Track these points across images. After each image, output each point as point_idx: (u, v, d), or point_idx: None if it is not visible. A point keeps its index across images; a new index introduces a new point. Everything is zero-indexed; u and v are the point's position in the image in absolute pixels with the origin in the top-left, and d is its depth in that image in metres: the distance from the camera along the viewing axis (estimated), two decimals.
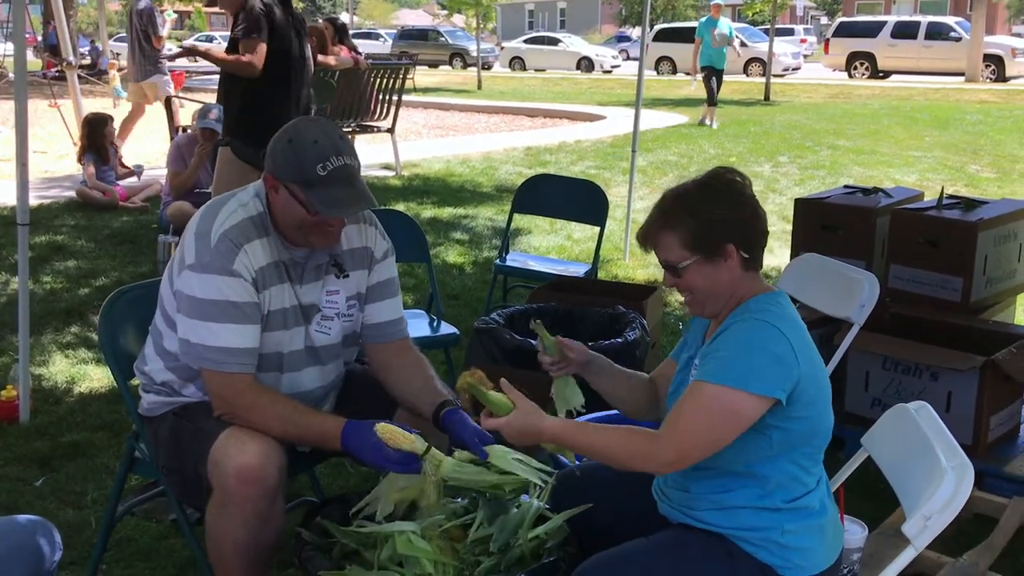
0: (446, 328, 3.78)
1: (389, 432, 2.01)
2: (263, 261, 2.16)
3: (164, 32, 9.26)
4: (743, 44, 27.03)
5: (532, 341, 3.33)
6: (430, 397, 2.26)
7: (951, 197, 3.90)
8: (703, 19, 14.28)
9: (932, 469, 1.75)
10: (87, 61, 24.72)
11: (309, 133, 2.12)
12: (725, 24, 14.00)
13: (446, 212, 7.74)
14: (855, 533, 2.41)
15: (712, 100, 13.83)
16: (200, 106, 6.46)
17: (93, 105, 12.52)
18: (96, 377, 4.14)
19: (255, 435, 2.08)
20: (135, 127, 9.90)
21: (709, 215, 1.87)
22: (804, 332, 1.88)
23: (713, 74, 13.65)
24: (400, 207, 7.34)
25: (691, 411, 1.82)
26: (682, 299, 1.96)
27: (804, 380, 1.82)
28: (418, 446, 2.01)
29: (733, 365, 1.80)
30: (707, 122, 13.83)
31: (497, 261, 4.89)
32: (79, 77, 10.10)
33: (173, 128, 7.92)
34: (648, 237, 1.95)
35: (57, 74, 13.93)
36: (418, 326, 3.75)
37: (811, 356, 1.86)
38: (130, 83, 9.49)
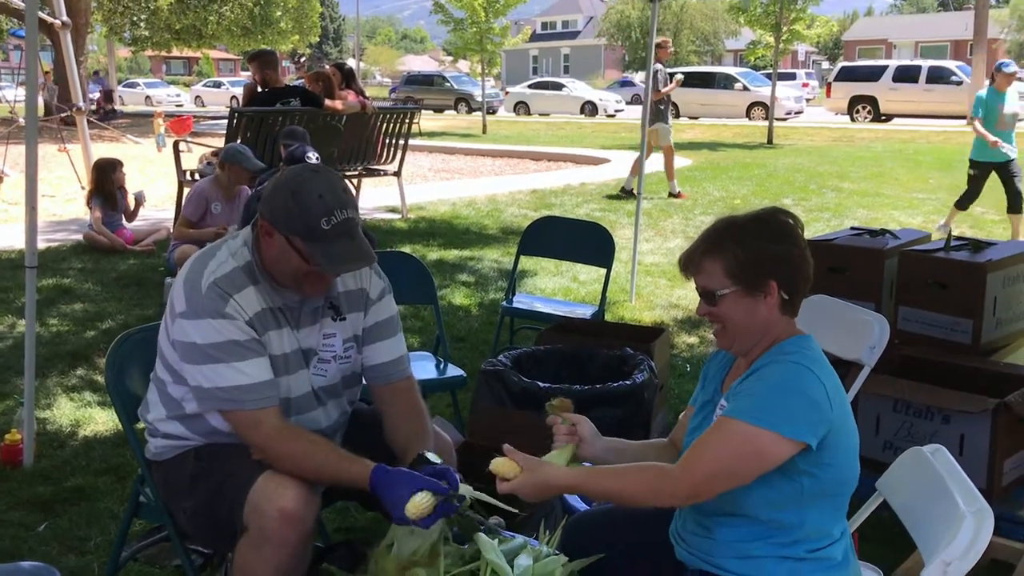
0: (453, 370, 3.76)
1: (419, 508, 1.99)
2: (256, 308, 2.15)
3: (664, 89, 10.93)
4: (745, 88, 27.34)
5: (540, 384, 3.32)
6: (414, 450, 2.22)
7: (959, 239, 3.89)
8: (982, 92, 8.67)
9: (950, 514, 1.72)
10: (93, 107, 25.06)
11: (314, 186, 2.10)
12: (1015, 97, 8.58)
13: (452, 254, 7.75)
14: None
15: (965, 202, 8.89)
16: (208, 151, 6.47)
17: (102, 150, 12.65)
18: (100, 420, 4.12)
19: (294, 478, 2.08)
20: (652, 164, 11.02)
21: (757, 248, 1.85)
22: (836, 378, 1.85)
23: (993, 169, 8.49)
24: (406, 249, 7.35)
25: (714, 446, 1.79)
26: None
27: (836, 426, 1.79)
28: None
29: (765, 405, 1.77)
30: (942, 225, 8.89)
31: (504, 303, 4.88)
32: (90, 122, 10.21)
33: (180, 171, 7.98)
34: (691, 261, 1.92)
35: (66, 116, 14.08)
36: (425, 368, 3.73)
37: (843, 402, 1.84)
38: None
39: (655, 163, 13.79)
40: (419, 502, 1.98)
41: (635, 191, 11.07)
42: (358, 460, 2.14)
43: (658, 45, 11.13)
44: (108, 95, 28.35)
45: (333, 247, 2.08)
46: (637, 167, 11.28)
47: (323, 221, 2.06)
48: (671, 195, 11.17)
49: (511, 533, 2.17)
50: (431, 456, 2.16)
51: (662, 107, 11.10)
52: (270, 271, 2.18)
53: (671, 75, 11.31)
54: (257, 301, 2.15)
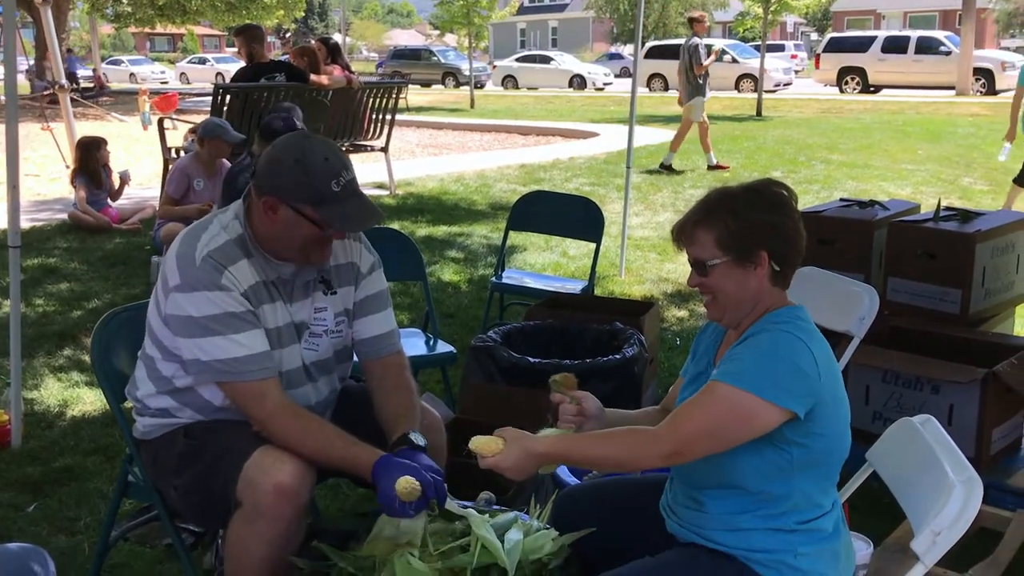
0: (442, 347, 3.75)
1: (408, 488, 1.98)
2: (250, 280, 2.15)
3: (706, 62, 10.95)
4: (734, 60, 27.23)
5: (530, 359, 3.31)
6: (400, 428, 2.21)
7: (948, 209, 3.88)
8: None
9: (940, 484, 1.72)
10: (89, 84, 24.71)
11: (317, 151, 2.10)
12: None
13: (441, 230, 7.72)
14: (860, 549, 2.38)
15: None
16: (190, 126, 6.41)
17: (86, 128, 12.53)
18: (89, 400, 4.10)
19: (291, 453, 2.08)
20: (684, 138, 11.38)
21: (749, 218, 1.85)
22: (828, 348, 1.85)
23: None
24: (395, 226, 7.31)
25: (700, 406, 1.80)
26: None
27: (825, 396, 1.79)
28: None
29: (753, 370, 1.77)
30: None
31: (493, 279, 4.87)
32: (74, 100, 10.12)
33: (165, 149, 7.91)
34: (684, 232, 1.91)
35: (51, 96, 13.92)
36: (414, 345, 3.72)
37: (833, 373, 1.84)
38: (682, 104, 11.34)
39: (642, 136, 13.72)
40: (409, 483, 1.97)
41: (673, 165, 11.12)
42: (364, 446, 2.12)
43: (696, 20, 11.24)
44: (72, 76, 27.52)
45: (346, 208, 2.09)
46: (679, 141, 11.29)
47: (333, 183, 2.08)
48: (663, 165, 11.14)
49: (502, 508, 2.17)
50: (415, 438, 2.15)
51: (701, 81, 11.04)
52: (267, 245, 2.17)
53: (708, 48, 11.22)
54: (251, 274, 2.15)
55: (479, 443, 1.90)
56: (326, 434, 2.13)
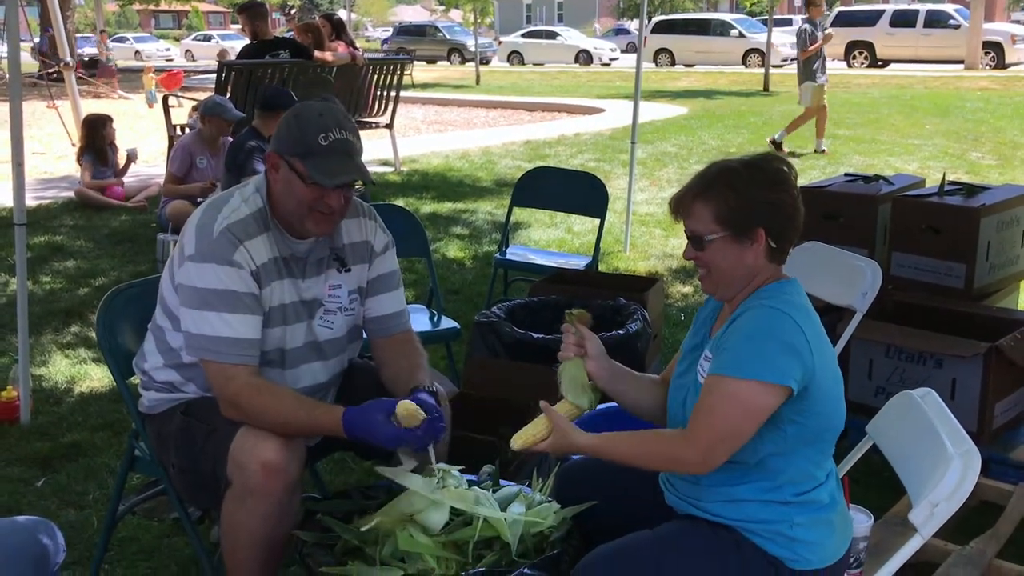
0: (447, 323, 3.77)
1: (408, 412, 2.02)
2: (264, 257, 2.17)
3: (811, 48, 10.47)
4: (741, 35, 27.04)
5: (534, 335, 3.32)
6: (415, 380, 2.26)
7: (953, 183, 3.87)
8: None
9: (938, 456, 1.73)
10: (85, 59, 24.59)
11: (315, 108, 2.17)
12: None
13: (445, 207, 7.72)
14: (861, 522, 2.38)
15: None
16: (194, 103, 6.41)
17: (92, 106, 12.52)
18: (96, 377, 4.13)
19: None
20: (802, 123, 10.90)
21: (749, 194, 1.83)
22: (817, 323, 1.85)
23: None
24: (399, 202, 7.32)
25: (711, 408, 1.79)
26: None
27: (818, 372, 1.79)
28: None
29: (746, 356, 1.77)
30: None
31: (497, 255, 4.87)
32: (78, 78, 10.11)
33: (170, 126, 7.91)
34: (682, 204, 1.90)
35: (55, 75, 13.91)
36: (419, 321, 3.73)
37: (824, 348, 1.83)
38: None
39: (648, 112, 13.62)
40: (408, 406, 2.01)
41: (824, 149, 10.68)
42: (327, 407, 2.15)
43: (811, 3, 10.70)
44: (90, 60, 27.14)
45: (328, 161, 2.11)
46: (821, 127, 10.87)
47: (320, 137, 2.11)
48: (816, 151, 10.70)
49: (506, 481, 2.19)
50: (428, 385, 2.21)
51: (814, 67, 10.58)
52: (279, 212, 2.19)
53: (818, 29, 10.57)
54: (266, 250, 2.17)
55: (524, 438, 1.94)
56: (286, 406, 2.11)
